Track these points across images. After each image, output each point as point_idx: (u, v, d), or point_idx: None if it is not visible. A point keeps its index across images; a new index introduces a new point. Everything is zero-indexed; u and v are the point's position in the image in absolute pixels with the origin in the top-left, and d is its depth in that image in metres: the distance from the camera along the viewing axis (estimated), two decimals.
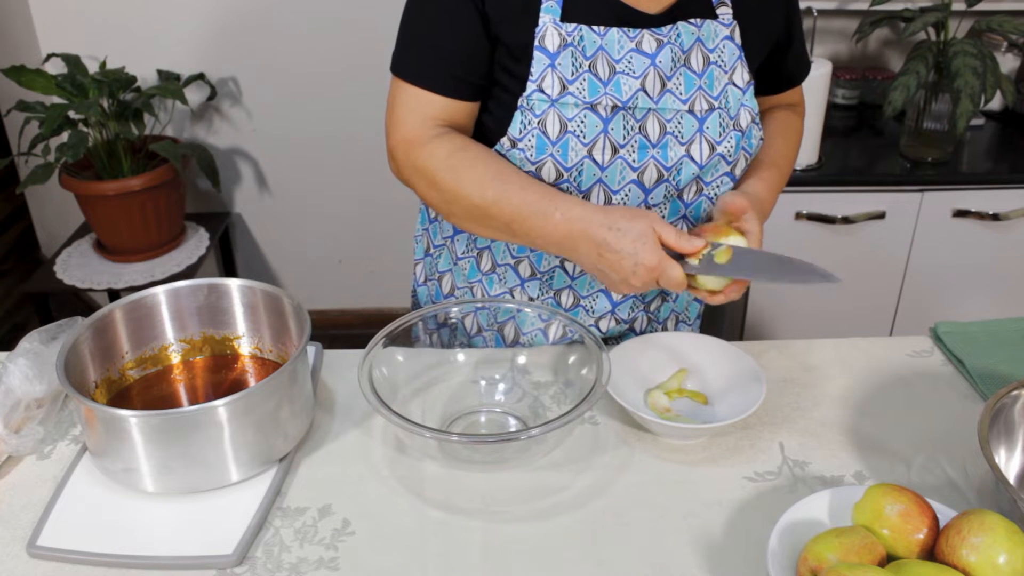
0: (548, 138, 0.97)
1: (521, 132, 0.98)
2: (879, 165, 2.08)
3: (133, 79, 2.23)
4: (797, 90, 1.21)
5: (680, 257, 0.92)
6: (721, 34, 1.02)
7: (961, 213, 2.01)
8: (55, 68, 2.26)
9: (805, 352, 1.13)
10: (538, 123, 0.97)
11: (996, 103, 2.36)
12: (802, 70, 1.18)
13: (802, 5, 2.08)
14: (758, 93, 1.09)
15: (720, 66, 1.01)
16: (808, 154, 2.00)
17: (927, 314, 2.10)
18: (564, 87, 0.96)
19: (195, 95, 2.43)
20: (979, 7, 2.04)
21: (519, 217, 0.95)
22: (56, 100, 2.18)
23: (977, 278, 2.11)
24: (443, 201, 1.00)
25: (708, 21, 1.01)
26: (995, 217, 2.01)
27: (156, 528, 0.84)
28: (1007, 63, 2.33)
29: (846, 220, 2.00)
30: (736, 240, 0.94)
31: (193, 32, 2.39)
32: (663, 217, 1.04)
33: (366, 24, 2.39)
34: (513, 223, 0.96)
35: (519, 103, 0.98)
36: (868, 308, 2.15)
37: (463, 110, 1.01)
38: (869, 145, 2.21)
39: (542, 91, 0.96)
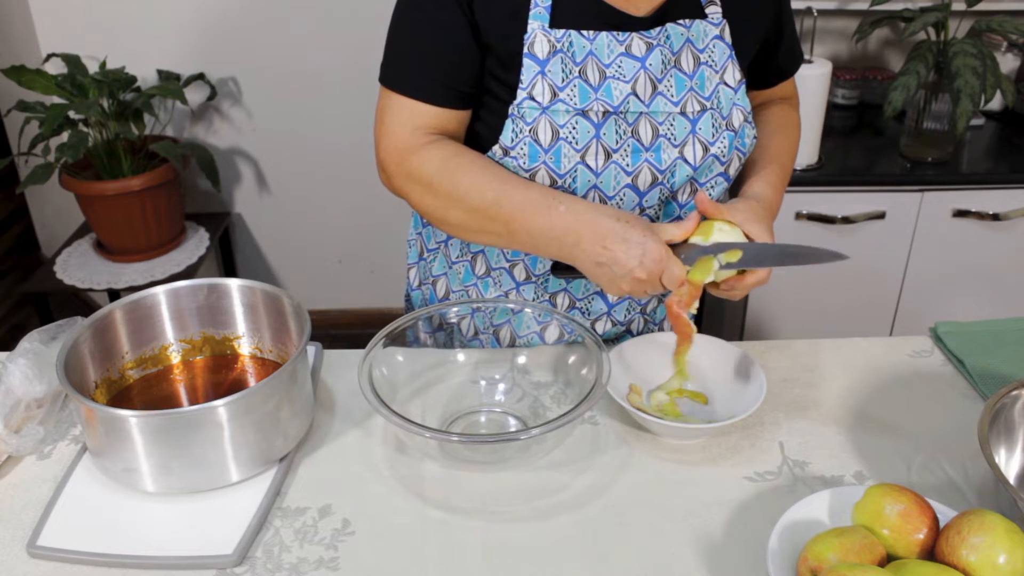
0: (540, 146, 0.96)
1: (513, 140, 0.97)
2: (879, 165, 2.08)
3: (133, 79, 2.23)
4: (790, 82, 1.19)
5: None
6: (711, 34, 1.01)
7: (961, 213, 2.01)
8: (55, 68, 2.26)
9: (805, 352, 1.13)
10: (530, 131, 0.96)
11: (996, 103, 2.36)
12: (793, 63, 1.17)
13: (803, 5, 2.09)
14: (749, 88, 1.08)
15: (711, 66, 1.01)
16: (808, 154, 2.00)
17: (927, 314, 2.10)
18: (555, 94, 0.95)
19: (195, 95, 2.43)
20: (979, 7, 2.04)
21: (521, 214, 0.94)
22: (56, 100, 2.18)
23: (977, 278, 2.11)
24: (439, 207, 0.99)
25: (697, 21, 1.00)
26: (995, 217, 2.01)
27: (156, 528, 0.84)
28: (1007, 63, 2.33)
29: (846, 220, 2.00)
30: (730, 230, 0.94)
31: (193, 32, 2.39)
32: (658, 219, 1.05)
33: (366, 24, 2.38)
34: (513, 221, 0.95)
35: (510, 111, 0.97)
36: (868, 308, 2.15)
37: (454, 118, 1.00)
38: (869, 145, 2.21)
39: (533, 99, 0.95)
